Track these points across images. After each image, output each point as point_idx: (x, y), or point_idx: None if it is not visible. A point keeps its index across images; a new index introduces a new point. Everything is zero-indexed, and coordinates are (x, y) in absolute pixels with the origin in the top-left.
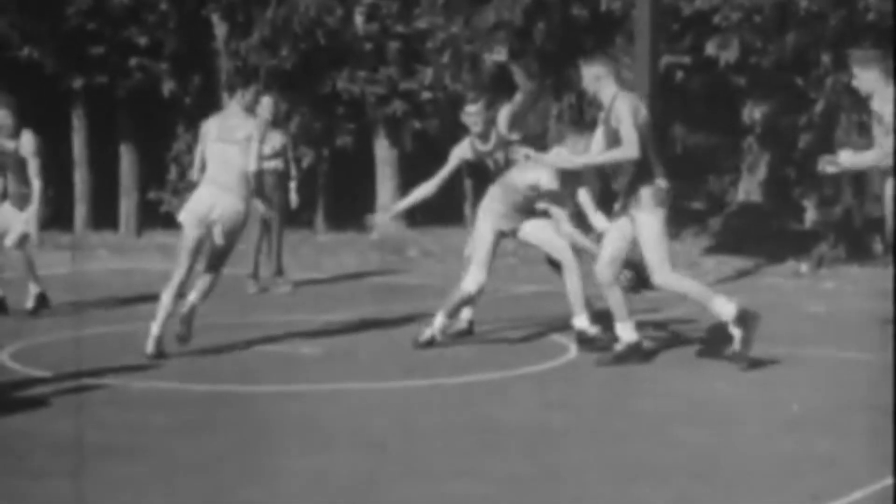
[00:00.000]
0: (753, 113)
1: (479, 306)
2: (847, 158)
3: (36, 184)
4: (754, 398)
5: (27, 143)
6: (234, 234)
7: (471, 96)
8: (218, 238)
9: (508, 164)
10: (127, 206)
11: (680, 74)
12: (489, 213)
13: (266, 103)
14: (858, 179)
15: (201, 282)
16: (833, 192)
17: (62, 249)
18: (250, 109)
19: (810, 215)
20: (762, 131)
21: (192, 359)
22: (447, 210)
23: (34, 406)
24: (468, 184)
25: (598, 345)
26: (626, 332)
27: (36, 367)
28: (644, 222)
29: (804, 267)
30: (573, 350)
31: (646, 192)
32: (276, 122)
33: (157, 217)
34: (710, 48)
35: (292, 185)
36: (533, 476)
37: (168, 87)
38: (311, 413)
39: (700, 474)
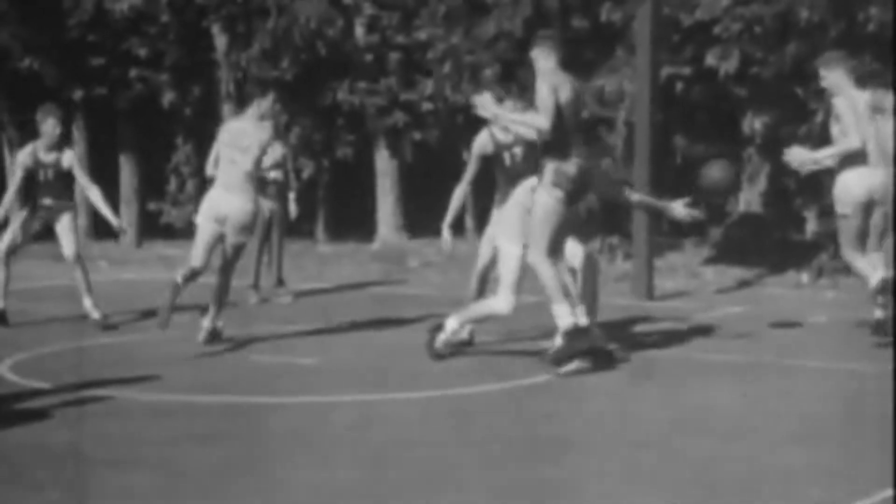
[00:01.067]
0: (754, 123)
1: None
2: (801, 154)
3: (92, 186)
4: (756, 408)
5: (70, 157)
6: (244, 230)
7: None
8: (231, 235)
9: (526, 159)
10: (127, 216)
11: (680, 85)
12: (517, 230)
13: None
14: None
15: (211, 297)
16: (831, 202)
17: (62, 261)
18: (265, 117)
19: (811, 226)
20: (762, 142)
21: (193, 370)
22: None
23: (34, 418)
24: (469, 194)
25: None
26: (563, 317)
27: (36, 378)
28: (538, 198)
29: (805, 277)
30: (574, 360)
31: (548, 169)
32: (276, 133)
33: (157, 228)
34: (711, 59)
35: (291, 195)
36: (533, 488)
37: (168, 98)
38: (311, 424)
39: (702, 485)
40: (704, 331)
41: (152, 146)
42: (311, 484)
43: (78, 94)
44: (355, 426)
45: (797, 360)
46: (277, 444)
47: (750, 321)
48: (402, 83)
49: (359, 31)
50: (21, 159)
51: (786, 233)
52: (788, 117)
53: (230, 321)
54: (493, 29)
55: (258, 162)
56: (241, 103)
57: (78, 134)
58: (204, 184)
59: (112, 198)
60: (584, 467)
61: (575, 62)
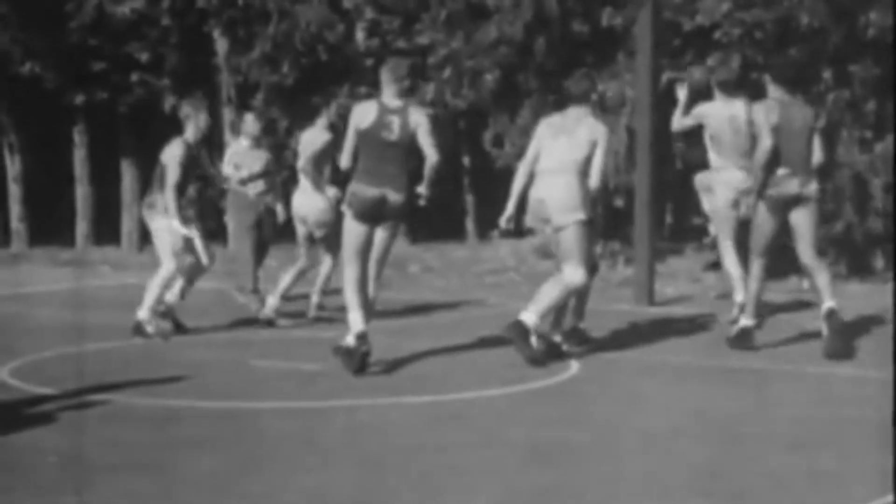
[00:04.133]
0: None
1: (479, 323)
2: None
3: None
4: (756, 414)
5: (205, 154)
6: (322, 224)
7: None
8: (314, 231)
9: None
10: (128, 221)
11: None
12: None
13: (249, 121)
14: (860, 195)
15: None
16: (834, 208)
17: (64, 265)
18: (335, 125)
19: None
20: None
21: (193, 375)
22: (449, 226)
23: (36, 422)
24: (470, 199)
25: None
26: (355, 324)
27: (36, 383)
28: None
29: (805, 283)
30: (575, 366)
31: (347, 189)
32: (258, 141)
33: None
34: (712, 63)
35: (278, 206)
36: (534, 493)
37: (169, 102)
38: (311, 429)
39: (703, 491)
40: (705, 336)
41: (153, 151)
42: (311, 488)
43: (79, 99)
44: (355, 431)
45: (797, 366)
46: (277, 448)
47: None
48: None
49: (359, 35)
50: (178, 156)
51: (786, 238)
52: None
53: (229, 326)
54: (494, 34)
55: (311, 161)
56: (243, 107)
57: (79, 139)
58: (205, 188)
59: (113, 203)
60: (583, 472)
61: (576, 67)
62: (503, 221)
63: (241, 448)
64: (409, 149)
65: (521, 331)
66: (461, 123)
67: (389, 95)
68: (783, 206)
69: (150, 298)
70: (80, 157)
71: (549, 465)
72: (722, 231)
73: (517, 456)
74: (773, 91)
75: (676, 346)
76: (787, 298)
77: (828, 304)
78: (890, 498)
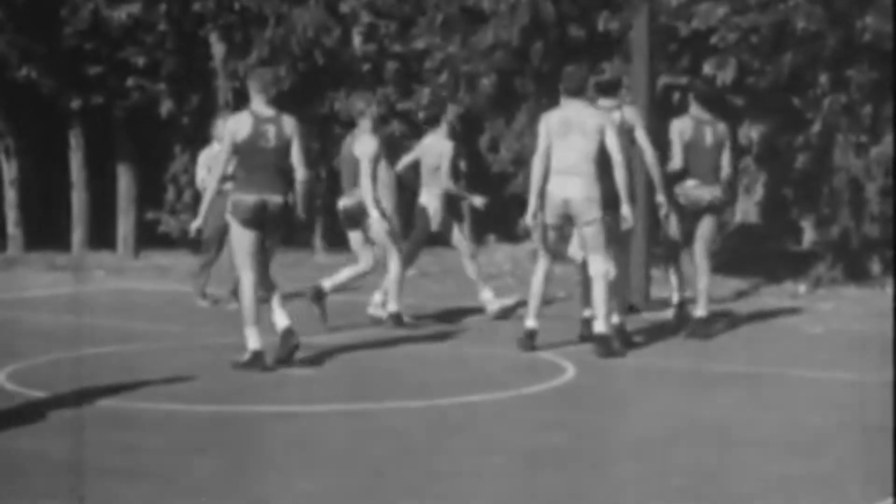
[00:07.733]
0: (750, 133)
1: (475, 328)
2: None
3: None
4: (753, 418)
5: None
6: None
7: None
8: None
9: None
10: (124, 226)
11: (677, 95)
12: None
13: (220, 126)
14: (856, 200)
15: None
16: (830, 213)
17: (60, 270)
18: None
19: (808, 236)
20: (759, 152)
21: (190, 379)
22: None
23: (32, 427)
24: (465, 204)
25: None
26: (251, 339)
27: (34, 387)
28: None
29: (802, 288)
30: (571, 370)
31: (229, 200)
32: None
33: (154, 237)
34: (708, 68)
35: None
36: (531, 498)
37: (166, 107)
38: (307, 434)
39: (700, 495)
40: (701, 341)
41: (150, 155)
42: (308, 493)
43: (75, 104)
44: (351, 436)
45: (794, 371)
46: (273, 453)
47: (747, 331)
48: (399, 92)
49: (356, 39)
50: (376, 152)
51: (783, 243)
52: (785, 127)
53: (225, 331)
54: (491, 38)
55: (448, 173)
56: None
57: (75, 143)
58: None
59: (109, 207)
60: (583, 477)
61: None
62: (529, 219)
63: (238, 453)
64: (285, 154)
65: (604, 341)
66: (457, 128)
67: (260, 104)
68: (693, 213)
69: (339, 279)
70: (76, 161)
71: (546, 469)
72: None
73: (514, 461)
74: (694, 109)
75: (672, 350)
76: (784, 303)
77: (699, 312)
78: (889, 501)
